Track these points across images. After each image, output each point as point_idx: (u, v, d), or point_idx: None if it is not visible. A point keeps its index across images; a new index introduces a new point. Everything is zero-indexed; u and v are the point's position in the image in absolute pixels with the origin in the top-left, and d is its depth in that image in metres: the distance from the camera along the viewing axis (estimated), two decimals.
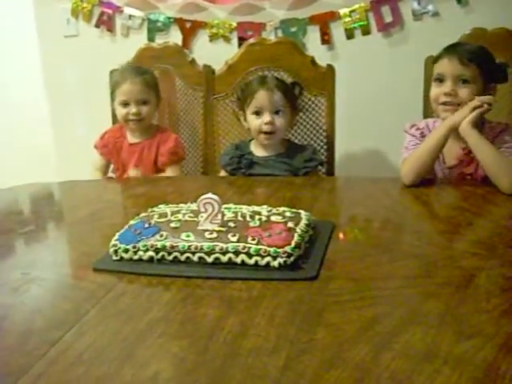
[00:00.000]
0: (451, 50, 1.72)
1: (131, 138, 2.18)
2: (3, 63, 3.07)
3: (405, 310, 0.98)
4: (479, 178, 1.71)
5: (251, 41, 2.14)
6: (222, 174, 2.02)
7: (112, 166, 2.25)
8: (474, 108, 1.62)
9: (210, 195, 1.23)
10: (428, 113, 2.09)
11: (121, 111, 2.14)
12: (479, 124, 1.71)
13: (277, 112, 1.88)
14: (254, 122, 1.89)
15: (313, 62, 2.06)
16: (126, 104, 2.13)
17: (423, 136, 1.80)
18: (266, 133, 1.89)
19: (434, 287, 1.05)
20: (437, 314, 0.96)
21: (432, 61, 1.80)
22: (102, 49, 2.73)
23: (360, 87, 2.26)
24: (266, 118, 1.87)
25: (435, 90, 1.72)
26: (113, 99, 2.19)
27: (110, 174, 2.24)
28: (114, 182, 1.91)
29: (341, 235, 1.34)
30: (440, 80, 1.71)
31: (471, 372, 0.80)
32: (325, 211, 1.40)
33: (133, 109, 2.11)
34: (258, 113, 1.89)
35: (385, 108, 2.39)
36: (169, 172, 2.13)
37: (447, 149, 1.75)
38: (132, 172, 2.08)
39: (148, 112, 2.15)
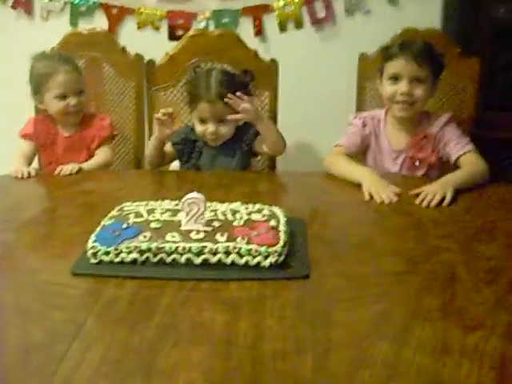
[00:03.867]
0: (405, 49, 1.78)
1: (64, 131, 2.04)
2: None
3: (405, 306, 1.04)
4: (431, 164, 1.83)
5: (192, 32, 2.10)
6: (167, 148, 1.94)
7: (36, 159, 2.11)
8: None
9: (195, 194, 1.22)
10: (361, 108, 2.17)
11: (57, 105, 1.98)
12: (424, 118, 1.83)
13: (221, 120, 1.85)
14: (198, 127, 1.87)
15: (256, 55, 2.06)
16: (63, 97, 1.97)
17: (365, 125, 1.89)
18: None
19: (423, 282, 1.12)
20: (436, 308, 1.02)
21: (383, 57, 1.85)
22: (18, 33, 2.55)
23: (292, 81, 2.27)
24: (210, 128, 1.84)
25: (391, 89, 1.79)
26: (39, 91, 2.01)
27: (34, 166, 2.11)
28: (56, 178, 1.81)
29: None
30: (395, 78, 1.79)
31: (489, 363, 0.86)
32: (287, 207, 1.42)
33: (72, 101, 1.97)
34: (202, 120, 1.86)
35: (318, 102, 2.43)
36: (98, 154, 2.02)
37: (394, 135, 1.88)
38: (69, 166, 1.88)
39: (85, 101, 2.03)
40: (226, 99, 1.74)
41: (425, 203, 1.50)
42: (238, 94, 1.72)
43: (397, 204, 1.52)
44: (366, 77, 2.16)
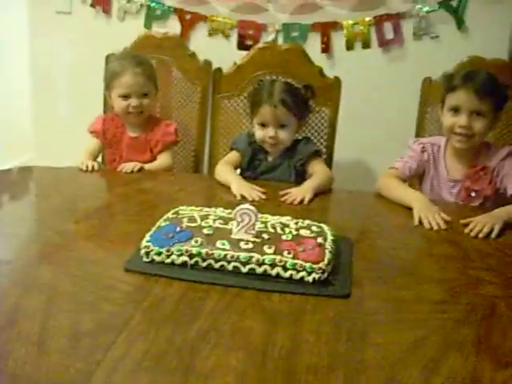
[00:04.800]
0: (468, 81, 1.78)
1: (131, 131, 2.13)
2: None
3: (441, 335, 1.05)
4: (487, 196, 1.83)
5: (261, 45, 2.17)
6: (232, 156, 2.00)
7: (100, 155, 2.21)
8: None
9: (247, 206, 1.27)
10: (420, 131, 2.18)
11: (120, 104, 2.07)
12: (483, 149, 1.83)
13: (282, 126, 1.92)
14: (258, 132, 1.94)
15: (321, 72, 2.11)
16: (125, 96, 2.06)
17: (424, 151, 1.90)
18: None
19: (461, 314, 1.13)
20: (471, 341, 1.03)
21: (445, 87, 1.85)
22: (94, 30, 2.68)
23: (354, 99, 2.30)
24: (270, 132, 1.91)
25: (450, 120, 1.80)
26: (109, 88, 2.12)
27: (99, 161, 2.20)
28: (118, 174, 1.90)
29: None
30: (455, 110, 1.79)
31: None
32: (338, 225, 1.45)
33: (134, 102, 2.05)
34: (263, 124, 1.93)
35: (378, 122, 2.46)
36: (160, 158, 2.10)
37: (452, 164, 1.88)
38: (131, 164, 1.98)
39: (148, 104, 2.09)
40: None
41: (472, 234, 1.51)
42: (282, 192, 1.75)
43: (445, 232, 1.54)
44: (428, 101, 2.17)
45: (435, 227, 1.54)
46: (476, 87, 1.75)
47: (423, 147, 1.91)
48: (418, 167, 1.90)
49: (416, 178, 1.96)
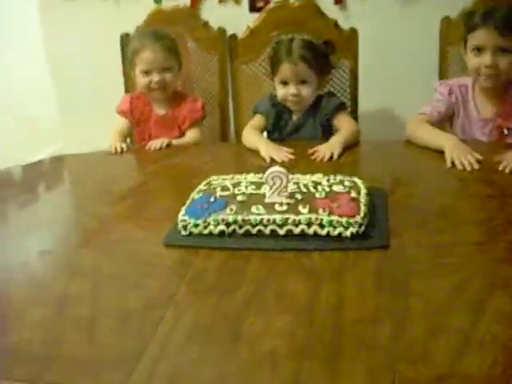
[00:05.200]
0: (488, 18, 1.72)
1: (158, 109, 2.13)
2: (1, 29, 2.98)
3: (483, 276, 1.05)
4: None
5: (272, 5, 2.15)
6: (256, 120, 2.01)
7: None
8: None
9: (278, 168, 1.27)
10: (443, 73, 2.14)
11: (142, 80, 2.07)
12: (508, 86, 1.79)
13: (303, 82, 1.91)
14: (280, 90, 1.93)
15: (336, 25, 2.08)
16: (147, 72, 2.06)
17: (451, 93, 1.87)
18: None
19: (502, 253, 1.12)
20: None
21: (465, 27, 1.80)
22: (105, 12, 2.67)
23: (372, 48, 2.25)
24: (291, 89, 1.90)
25: (475, 60, 1.76)
26: (132, 65, 2.12)
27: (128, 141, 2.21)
28: (147, 152, 1.92)
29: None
30: (478, 50, 1.75)
31: None
32: (370, 177, 1.44)
33: (155, 77, 2.05)
34: (284, 82, 1.92)
35: (399, 68, 2.42)
36: (188, 135, 2.11)
37: (481, 103, 1.84)
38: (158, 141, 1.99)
39: (171, 79, 2.08)
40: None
41: (507, 170, 1.49)
42: (311, 150, 1.74)
43: (480, 172, 1.52)
44: (448, 41, 2.13)
45: (468, 168, 1.52)
46: (497, 23, 1.70)
47: (450, 89, 1.87)
48: (446, 109, 1.87)
49: (446, 121, 1.93)
